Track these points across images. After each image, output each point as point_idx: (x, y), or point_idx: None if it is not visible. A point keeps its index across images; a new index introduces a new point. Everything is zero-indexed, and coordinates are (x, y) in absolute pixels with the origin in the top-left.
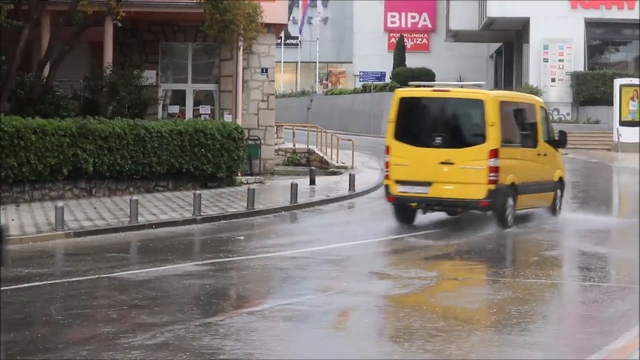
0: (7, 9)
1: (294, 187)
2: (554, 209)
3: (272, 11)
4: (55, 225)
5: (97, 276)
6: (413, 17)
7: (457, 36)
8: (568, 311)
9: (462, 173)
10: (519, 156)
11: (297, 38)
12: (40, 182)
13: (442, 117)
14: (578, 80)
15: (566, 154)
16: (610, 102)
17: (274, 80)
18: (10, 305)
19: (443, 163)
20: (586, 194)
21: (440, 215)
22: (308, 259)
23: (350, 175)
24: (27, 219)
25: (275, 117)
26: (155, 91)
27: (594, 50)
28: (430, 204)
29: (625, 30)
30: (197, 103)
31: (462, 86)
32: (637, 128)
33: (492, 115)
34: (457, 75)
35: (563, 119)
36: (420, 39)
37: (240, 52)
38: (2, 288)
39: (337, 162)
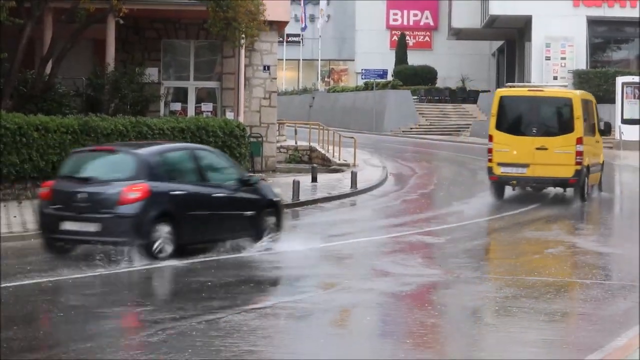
0: (9, 6)
1: (295, 185)
2: (600, 187)
3: (274, 9)
4: None
5: (98, 273)
6: (415, 15)
7: (459, 34)
8: None
9: (554, 156)
10: (587, 143)
11: (298, 36)
12: (43, 179)
13: (537, 111)
14: (580, 79)
15: None
16: (612, 100)
17: (276, 78)
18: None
19: (538, 149)
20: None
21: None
22: (310, 255)
23: (352, 172)
24: (29, 216)
25: (277, 115)
26: (158, 88)
27: (596, 48)
28: (528, 182)
29: (627, 28)
30: (199, 100)
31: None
32: (638, 126)
33: (578, 110)
34: (458, 74)
35: None
36: (422, 37)
37: (243, 50)
38: (2, 285)
39: (339, 160)
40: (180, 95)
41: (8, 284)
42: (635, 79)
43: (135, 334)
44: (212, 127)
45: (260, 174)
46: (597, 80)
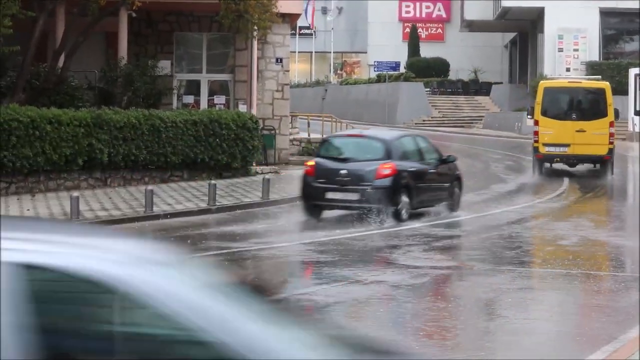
0: None
1: None
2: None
3: (286, 1)
4: (70, 215)
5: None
6: (427, 7)
7: (471, 26)
8: None
9: (592, 137)
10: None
11: (309, 28)
12: (56, 172)
13: (576, 99)
14: (593, 70)
15: None
16: (625, 92)
17: (288, 70)
18: None
19: (578, 131)
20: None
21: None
22: (323, 247)
23: None
24: (43, 209)
25: (289, 107)
26: (170, 81)
27: (608, 40)
28: (569, 159)
29: None
30: (211, 93)
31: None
32: None
33: (609, 98)
34: (471, 66)
35: None
36: (434, 29)
37: (255, 42)
38: None
39: None
40: (193, 88)
41: None
42: None
43: None
44: (224, 119)
45: (273, 167)
46: (609, 72)
